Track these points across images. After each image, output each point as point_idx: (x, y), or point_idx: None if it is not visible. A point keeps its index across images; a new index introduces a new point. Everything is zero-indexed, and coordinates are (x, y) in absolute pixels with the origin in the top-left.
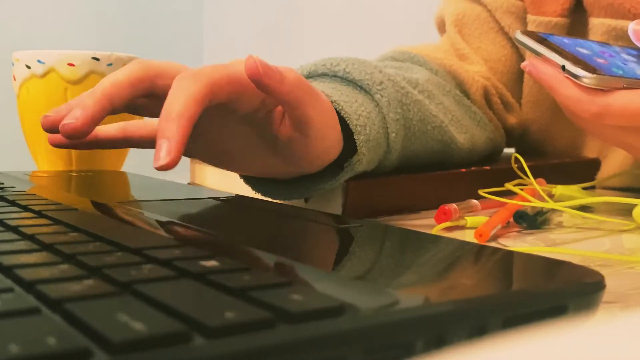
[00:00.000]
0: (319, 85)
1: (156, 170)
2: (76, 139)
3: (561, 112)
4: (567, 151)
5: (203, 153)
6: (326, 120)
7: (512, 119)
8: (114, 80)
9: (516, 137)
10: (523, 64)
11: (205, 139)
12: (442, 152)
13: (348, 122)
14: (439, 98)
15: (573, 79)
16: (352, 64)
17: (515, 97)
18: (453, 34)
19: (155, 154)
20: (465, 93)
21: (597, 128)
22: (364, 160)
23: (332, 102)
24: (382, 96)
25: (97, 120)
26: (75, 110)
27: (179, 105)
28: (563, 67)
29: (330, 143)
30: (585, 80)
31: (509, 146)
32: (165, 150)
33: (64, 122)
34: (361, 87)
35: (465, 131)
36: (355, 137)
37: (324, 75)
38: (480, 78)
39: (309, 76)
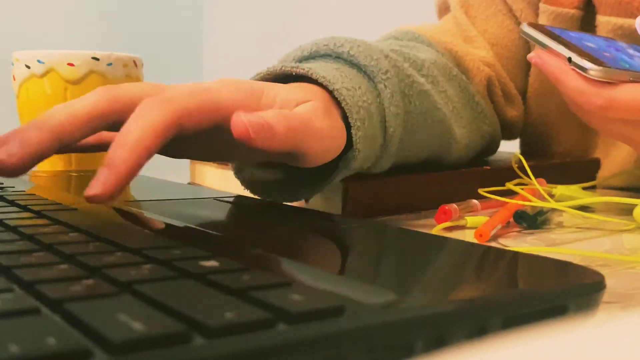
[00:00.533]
0: (321, 66)
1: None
2: (9, 176)
3: (568, 109)
4: (573, 146)
5: (187, 156)
6: (325, 145)
7: (511, 112)
8: (70, 114)
9: (516, 131)
10: (529, 56)
11: (190, 149)
12: (438, 147)
13: (348, 114)
14: (443, 85)
15: (579, 71)
16: (358, 47)
17: (518, 84)
18: (460, 14)
19: (92, 180)
20: (469, 81)
21: (602, 121)
22: (360, 156)
23: (333, 90)
24: (385, 87)
25: (37, 160)
26: (12, 145)
27: (135, 133)
28: (569, 59)
29: (330, 153)
30: (591, 72)
31: (505, 139)
32: (102, 179)
33: None
34: (365, 73)
35: (463, 125)
36: (353, 132)
37: (326, 55)
38: (485, 67)
39: (310, 57)
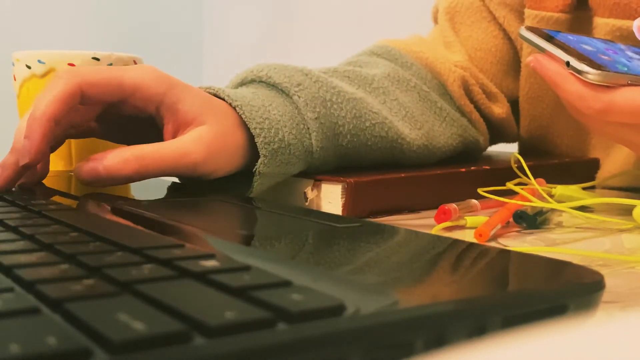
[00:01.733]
0: (244, 90)
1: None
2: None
3: (563, 108)
4: (570, 148)
5: (120, 141)
6: (216, 164)
7: (497, 109)
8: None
9: (508, 130)
10: (527, 59)
11: (114, 131)
12: (389, 148)
13: (248, 124)
14: (394, 94)
15: (577, 75)
16: (274, 69)
17: (506, 88)
18: (443, 21)
19: (20, 151)
20: (443, 85)
21: (600, 125)
22: (271, 162)
23: (235, 107)
24: (299, 97)
25: (47, 143)
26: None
27: (41, 106)
28: (567, 63)
29: (227, 166)
30: (589, 76)
31: (504, 140)
32: (26, 150)
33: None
34: (282, 91)
35: (419, 127)
36: (256, 139)
37: (252, 81)
38: (458, 69)
39: (242, 83)
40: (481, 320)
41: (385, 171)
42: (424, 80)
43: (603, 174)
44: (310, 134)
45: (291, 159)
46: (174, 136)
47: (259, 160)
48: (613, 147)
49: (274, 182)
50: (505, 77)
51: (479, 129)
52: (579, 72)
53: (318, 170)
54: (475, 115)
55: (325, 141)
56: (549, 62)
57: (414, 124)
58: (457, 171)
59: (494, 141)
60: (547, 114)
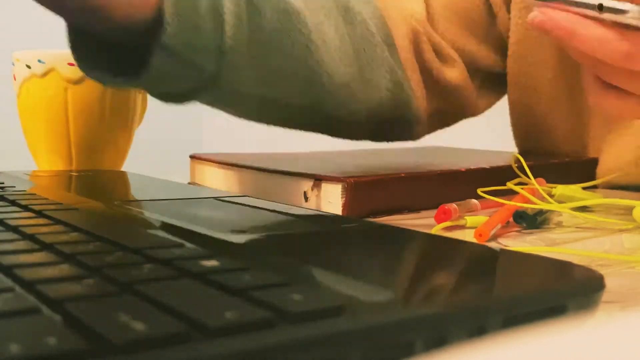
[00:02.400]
0: None
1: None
2: None
3: (559, 100)
4: (566, 140)
5: None
6: None
7: (450, 73)
8: None
9: (463, 98)
10: (531, 15)
11: None
12: (308, 79)
13: None
14: (336, 20)
15: (615, 16)
16: None
17: (465, 53)
18: None
19: None
20: (390, 34)
21: (605, 93)
22: (174, 31)
23: None
24: None
25: None
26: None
27: None
28: (600, 6)
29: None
30: (633, 14)
31: (463, 114)
32: None
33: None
34: None
35: (349, 65)
36: None
37: None
38: (412, 21)
39: None
40: (481, 321)
41: (385, 171)
42: (374, 22)
43: (600, 169)
44: (224, 20)
45: (199, 22)
46: None
47: (167, 19)
48: (606, 144)
49: (178, 69)
50: (467, 40)
51: (415, 90)
52: (620, 11)
53: (231, 81)
54: (417, 76)
55: (237, 41)
56: (556, 13)
57: (345, 60)
58: (457, 171)
59: (449, 115)
60: (543, 104)
